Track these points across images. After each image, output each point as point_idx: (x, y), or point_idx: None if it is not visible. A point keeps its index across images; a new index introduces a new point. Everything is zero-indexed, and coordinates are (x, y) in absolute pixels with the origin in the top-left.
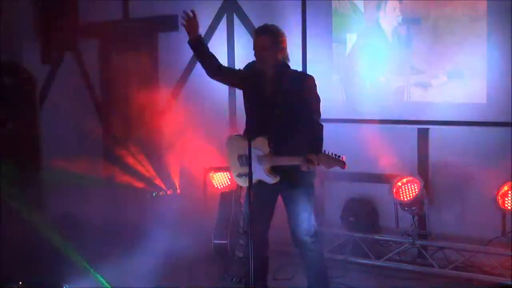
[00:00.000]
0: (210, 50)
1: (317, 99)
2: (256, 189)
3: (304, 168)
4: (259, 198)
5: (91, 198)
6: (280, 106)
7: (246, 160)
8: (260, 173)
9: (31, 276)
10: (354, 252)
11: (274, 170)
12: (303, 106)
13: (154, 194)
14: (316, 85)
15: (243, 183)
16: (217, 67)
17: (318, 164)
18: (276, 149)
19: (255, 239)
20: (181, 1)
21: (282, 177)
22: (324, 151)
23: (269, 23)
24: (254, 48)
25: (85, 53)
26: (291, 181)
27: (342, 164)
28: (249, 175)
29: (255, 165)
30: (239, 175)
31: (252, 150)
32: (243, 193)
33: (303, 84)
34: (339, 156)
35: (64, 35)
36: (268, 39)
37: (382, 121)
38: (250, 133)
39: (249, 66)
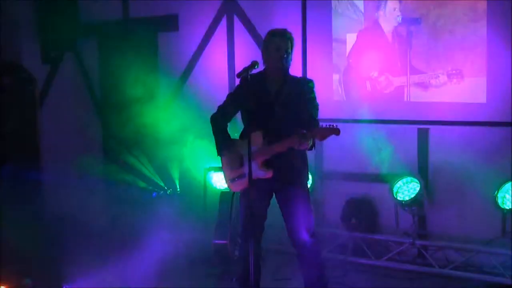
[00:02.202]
0: (226, 132)
1: (316, 102)
2: (250, 191)
3: (297, 146)
4: (253, 200)
5: (91, 198)
6: (281, 105)
7: (240, 160)
8: (253, 169)
9: (32, 276)
10: (354, 252)
11: (266, 164)
12: (303, 105)
13: (154, 195)
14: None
15: (236, 187)
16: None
17: (312, 144)
18: (270, 141)
19: (250, 241)
20: (181, 1)
21: (276, 177)
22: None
23: (271, 23)
24: (274, 48)
25: (85, 53)
26: (285, 180)
27: (337, 131)
28: (249, 174)
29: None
30: (232, 180)
31: (245, 149)
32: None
33: (305, 86)
34: (332, 125)
35: (64, 35)
36: (289, 44)
37: (382, 121)
38: (249, 134)
39: (248, 76)
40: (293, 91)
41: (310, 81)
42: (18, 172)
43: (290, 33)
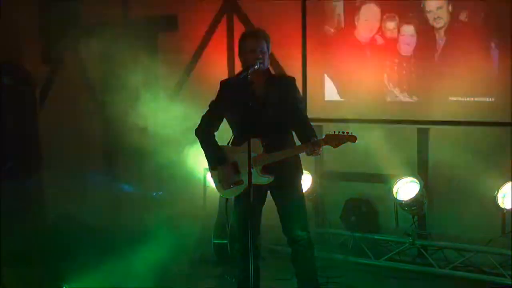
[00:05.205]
0: (216, 144)
1: (302, 97)
2: (245, 196)
3: (309, 154)
4: (248, 205)
5: (90, 198)
6: (272, 106)
7: (234, 168)
8: (253, 176)
9: (31, 276)
10: (354, 252)
11: (266, 170)
12: (292, 104)
13: (154, 194)
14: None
15: (230, 194)
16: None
17: (319, 153)
18: (269, 147)
19: (247, 246)
20: (181, 1)
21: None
22: (330, 132)
23: (271, 23)
24: (248, 50)
25: (85, 53)
26: (280, 180)
27: (354, 138)
28: (249, 175)
29: (246, 169)
30: (227, 187)
31: (242, 155)
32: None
33: (289, 84)
34: (347, 132)
35: (64, 35)
36: (265, 44)
37: (382, 121)
38: (242, 139)
39: (232, 80)
40: (281, 90)
41: (294, 79)
42: (18, 172)
43: (263, 32)
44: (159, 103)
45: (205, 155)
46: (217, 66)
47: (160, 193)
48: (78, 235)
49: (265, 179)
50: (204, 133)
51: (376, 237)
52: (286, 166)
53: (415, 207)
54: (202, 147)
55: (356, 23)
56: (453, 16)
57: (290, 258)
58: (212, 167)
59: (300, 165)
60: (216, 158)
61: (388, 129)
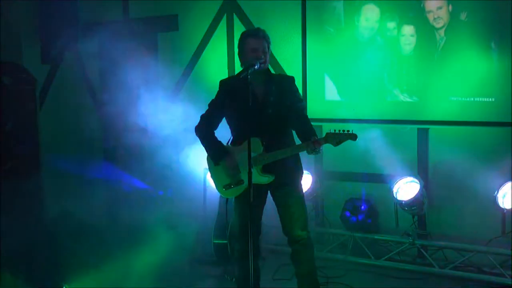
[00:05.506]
0: (217, 139)
1: (301, 96)
2: (245, 196)
3: (310, 153)
4: (248, 205)
5: (90, 198)
6: (272, 106)
7: (235, 167)
8: (254, 176)
9: (31, 276)
10: (354, 252)
11: (266, 169)
12: (292, 103)
13: (160, 192)
14: None
15: (231, 194)
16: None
17: (319, 151)
18: (269, 146)
19: (247, 246)
20: (181, 1)
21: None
22: (330, 130)
23: (271, 23)
24: (249, 49)
25: (85, 53)
26: (280, 180)
27: (354, 136)
28: (249, 175)
29: (246, 168)
30: (226, 187)
31: (242, 155)
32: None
33: (289, 84)
34: (347, 131)
35: (64, 35)
36: (266, 44)
37: (382, 121)
38: (241, 138)
39: (232, 80)
40: (280, 89)
41: (293, 78)
42: (18, 172)
43: (263, 32)
44: (159, 103)
45: (207, 151)
46: (217, 66)
47: (160, 193)
48: (78, 235)
49: (266, 179)
50: (204, 130)
51: (376, 237)
52: (287, 166)
53: (415, 207)
54: (203, 144)
55: (356, 23)
56: (453, 16)
57: (290, 258)
58: (216, 162)
59: (301, 164)
60: (217, 153)
61: (388, 129)
